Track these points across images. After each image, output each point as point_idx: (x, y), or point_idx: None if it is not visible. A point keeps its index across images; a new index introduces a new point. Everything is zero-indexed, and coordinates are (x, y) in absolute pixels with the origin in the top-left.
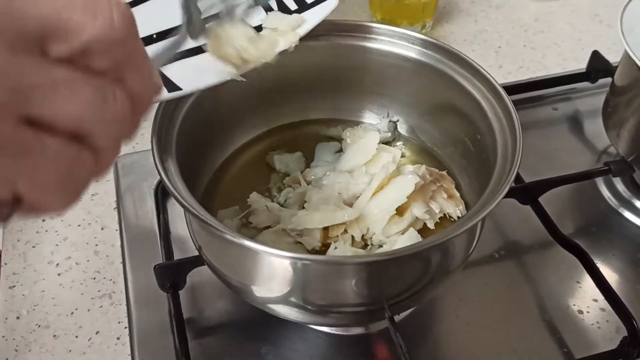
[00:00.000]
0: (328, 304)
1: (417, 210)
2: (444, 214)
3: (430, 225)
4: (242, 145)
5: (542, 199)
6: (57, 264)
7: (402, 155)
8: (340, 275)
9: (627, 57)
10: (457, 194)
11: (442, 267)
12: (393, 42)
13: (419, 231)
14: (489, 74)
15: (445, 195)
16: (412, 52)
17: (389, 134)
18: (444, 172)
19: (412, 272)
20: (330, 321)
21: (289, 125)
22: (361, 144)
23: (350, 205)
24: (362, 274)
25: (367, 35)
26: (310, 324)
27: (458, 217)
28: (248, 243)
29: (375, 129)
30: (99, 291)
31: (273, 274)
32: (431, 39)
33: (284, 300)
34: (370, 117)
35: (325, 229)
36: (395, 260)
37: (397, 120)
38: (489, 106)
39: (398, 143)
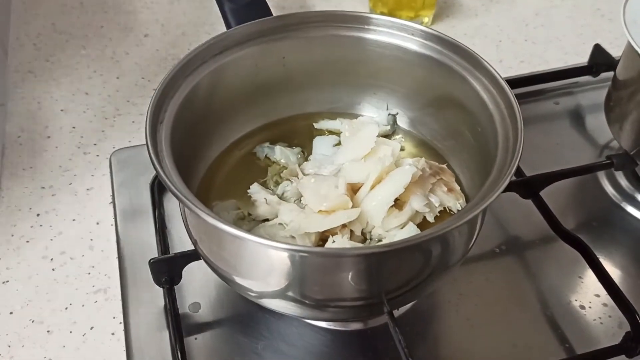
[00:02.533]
0: (326, 297)
1: (416, 204)
2: (444, 208)
3: (430, 218)
4: (238, 138)
5: (544, 194)
6: (52, 259)
7: (402, 149)
8: (338, 268)
9: (629, 49)
10: (457, 188)
11: (441, 261)
12: (392, 33)
13: (419, 226)
14: (489, 64)
15: (445, 189)
16: (411, 43)
17: (388, 127)
18: (444, 165)
19: (411, 265)
20: (328, 316)
21: (286, 119)
22: (359, 137)
23: (351, 198)
24: (360, 267)
25: (365, 27)
26: (308, 318)
27: (458, 211)
28: (244, 235)
29: (374, 122)
30: (93, 286)
31: (270, 266)
32: (430, 30)
33: (281, 294)
34: (369, 110)
35: None
36: (394, 252)
37: (397, 114)
38: (489, 97)
39: (397, 136)
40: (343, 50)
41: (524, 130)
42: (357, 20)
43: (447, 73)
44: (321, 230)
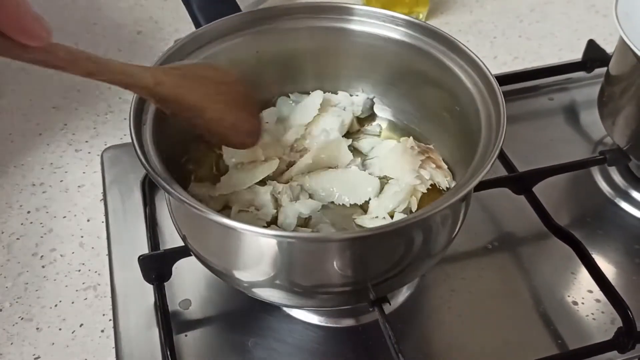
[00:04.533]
0: (313, 284)
1: (407, 177)
2: (433, 186)
3: (422, 189)
4: None
5: (537, 190)
6: (42, 256)
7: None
8: (323, 253)
9: (622, 43)
10: (445, 166)
11: (425, 245)
12: (371, 22)
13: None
14: (465, 46)
15: (433, 166)
16: (387, 31)
17: (360, 108)
18: (431, 146)
19: (395, 250)
20: (316, 303)
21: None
22: (303, 104)
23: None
24: (344, 252)
25: (347, 17)
26: (298, 306)
27: (447, 188)
28: (230, 223)
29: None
30: (83, 283)
31: (257, 253)
32: (406, 17)
33: (269, 282)
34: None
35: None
36: (377, 236)
37: (373, 97)
38: (468, 78)
39: (374, 123)
40: (318, 42)
41: (513, 124)
42: (338, 11)
43: (426, 59)
44: (244, 186)
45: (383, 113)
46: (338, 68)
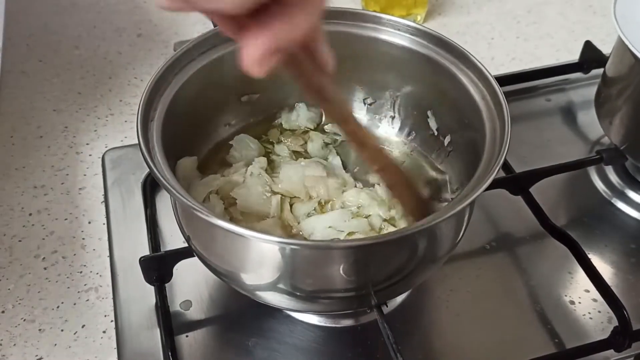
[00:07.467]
0: (316, 289)
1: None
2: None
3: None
4: (228, 135)
5: (535, 190)
6: (44, 258)
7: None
8: (327, 259)
9: (620, 43)
10: None
11: (429, 253)
12: (380, 29)
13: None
14: (476, 59)
15: None
16: (399, 39)
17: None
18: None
19: (398, 257)
20: (318, 307)
21: (276, 115)
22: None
23: None
24: (347, 259)
25: (355, 23)
26: (300, 310)
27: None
28: (237, 229)
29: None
30: (85, 285)
31: (260, 258)
32: (418, 25)
33: (271, 286)
34: (358, 106)
35: None
36: (381, 244)
37: (375, 102)
38: (476, 90)
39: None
40: (332, 46)
41: (510, 120)
42: (346, 17)
43: (438, 70)
44: None
45: (394, 123)
46: (349, 72)
